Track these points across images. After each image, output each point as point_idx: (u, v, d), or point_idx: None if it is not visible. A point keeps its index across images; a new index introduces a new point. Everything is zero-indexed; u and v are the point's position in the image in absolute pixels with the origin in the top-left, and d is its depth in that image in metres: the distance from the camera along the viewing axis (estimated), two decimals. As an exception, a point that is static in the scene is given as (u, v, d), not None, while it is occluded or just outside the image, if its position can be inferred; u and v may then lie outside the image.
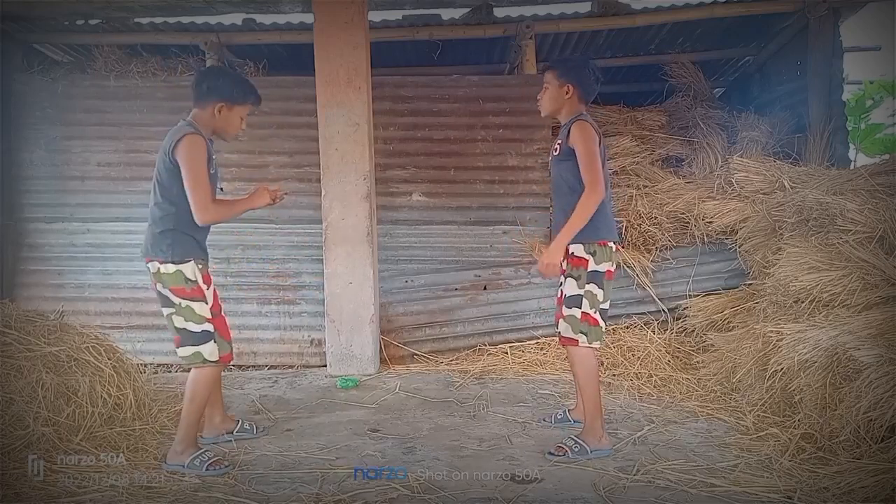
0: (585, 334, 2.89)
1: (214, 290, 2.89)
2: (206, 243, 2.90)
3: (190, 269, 2.72)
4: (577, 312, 2.89)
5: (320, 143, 4.34)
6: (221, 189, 3.05)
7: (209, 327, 2.77)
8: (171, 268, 2.71)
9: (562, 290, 3.04)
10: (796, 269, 3.60)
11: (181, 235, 2.73)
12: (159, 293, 2.77)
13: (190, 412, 2.79)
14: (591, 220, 2.84)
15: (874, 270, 3.34)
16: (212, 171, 2.81)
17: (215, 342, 2.79)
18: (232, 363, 4.42)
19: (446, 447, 3.04)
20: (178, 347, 2.78)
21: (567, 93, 2.94)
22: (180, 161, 2.66)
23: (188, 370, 2.86)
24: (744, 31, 5.99)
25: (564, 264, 2.99)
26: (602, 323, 2.93)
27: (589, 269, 2.88)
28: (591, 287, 2.88)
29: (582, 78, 2.95)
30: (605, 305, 2.94)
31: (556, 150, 3.01)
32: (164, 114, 4.79)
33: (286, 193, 3.00)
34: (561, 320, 2.94)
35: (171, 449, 2.82)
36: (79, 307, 4.76)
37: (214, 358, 2.79)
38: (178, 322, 2.75)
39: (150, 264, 2.75)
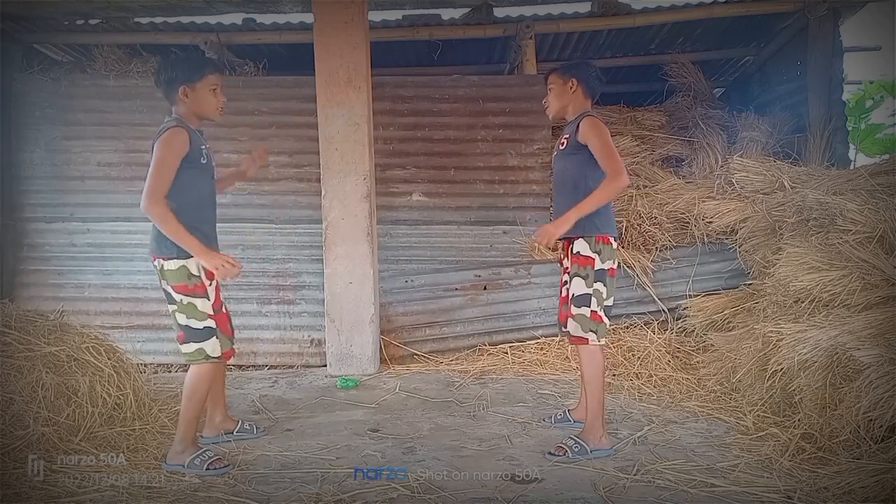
0: (595, 332, 2.90)
1: (217, 286, 2.89)
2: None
3: (194, 265, 2.73)
4: (586, 311, 2.90)
5: (320, 143, 4.34)
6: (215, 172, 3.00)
7: (211, 323, 2.78)
8: (174, 263, 2.71)
9: (566, 290, 3.05)
10: (796, 269, 3.60)
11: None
12: (164, 290, 2.78)
13: (188, 409, 2.80)
14: (595, 215, 2.86)
15: (874, 270, 3.34)
16: (203, 161, 2.81)
17: (217, 338, 2.80)
18: (232, 363, 4.45)
19: (446, 447, 3.04)
20: (181, 344, 2.80)
21: (572, 87, 2.97)
22: (154, 150, 2.67)
23: (187, 368, 2.86)
24: (744, 31, 5.99)
25: (567, 262, 3.01)
26: (606, 320, 2.94)
27: (596, 268, 2.89)
28: (598, 285, 2.90)
29: (584, 73, 2.99)
30: (609, 303, 2.96)
31: (562, 144, 3.01)
32: (163, 114, 4.71)
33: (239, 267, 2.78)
34: (570, 319, 2.94)
35: (171, 448, 2.82)
36: (79, 307, 4.76)
37: (217, 354, 2.80)
38: (181, 319, 2.76)
39: (155, 262, 2.76)
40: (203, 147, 2.84)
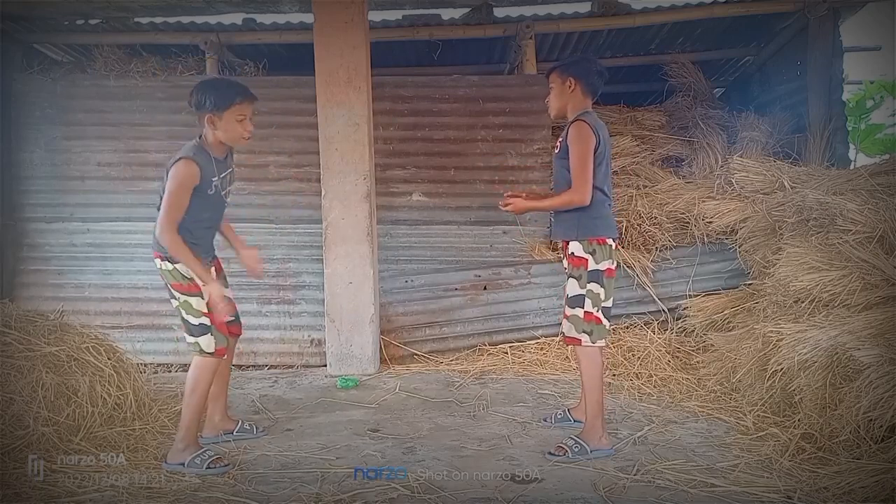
0: (589, 333, 2.90)
1: None
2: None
3: (184, 268, 2.80)
4: (579, 312, 2.91)
5: (320, 143, 4.34)
6: (228, 195, 3.05)
7: (205, 321, 2.84)
8: (168, 265, 2.82)
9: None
10: (796, 269, 3.60)
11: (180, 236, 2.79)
12: (166, 286, 2.89)
13: (190, 405, 2.83)
14: (589, 217, 2.89)
15: (874, 270, 3.34)
16: (210, 192, 2.84)
17: (212, 335, 2.85)
18: (232, 363, 4.45)
19: (446, 447, 3.04)
20: (187, 336, 2.90)
21: (570, 87, 2.97)
22: (167, 181, 2.75)
23: (188, 367, 2.90)
24: (744, 31, 5.99)
25: (565, 263, 3.02)
26: (605, 321, 2.94)
27: (589, 269, 2.89)
28: (593, 286, 2.90)
29: (584, 71, 2.98)
30: (608, 304, 2.96)
31: (556, 147, 3.05)
32: (164, 114, 4.80)
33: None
34: (565, 320, 2.96)
35: (171, 447, 2.83)
36: (79, 307, 4.76)
37: (210, 350, 2.85)
38: (182, 314, 2.87)
39: (155, 260, 2.87)
40: (214, 179, 2.84)
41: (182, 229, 2.76)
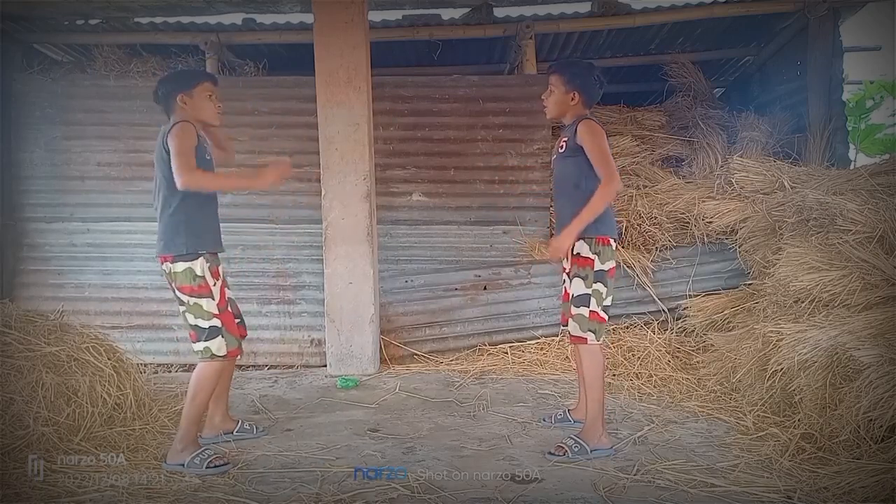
0: (594, 332, 2.92)
1: (222, 286, 2.91)
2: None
3: (199, 266, 2.78)
4: (585, 311, 2.91)
5: (320, 143, 4.34)
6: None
7: (216, 323, 2.82)
8: (180, 266, 2.77)
9: (565, 289, 3.07)
10: (796, 269, 3.60)
11: (191, 228, 2.78)
12: (174, 291, 2.85)
13: (192, 408, 2.82)
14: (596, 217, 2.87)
15: (874, 270, 3.34)
16: (207, 158, 2.87)
17: (223, 337, 2.84)
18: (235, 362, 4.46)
19: (446, 447, 3.04)
20: (193, 343, 2.86)
21: (573, 99, 2.98)
22: (169, 144, 2.70)
23: (189, 368, 2.88)
24: (744, 31, 5.99)
25: (567, 264, 3.02)
26: (606, 318, 2.96)
27: (595, 269, 2.90)
28: (598, 286, 2.91)
29: (587, 85, 2.98)
30: (608, 302, 2.97)
31: (561, 147, 3.03)
32: (164, 114, 4.77)
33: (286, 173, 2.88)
34: (570, 320, 2.97)
35: (171, 447, 2.83)
36: (79, 307, 4.76)
37: (222, 353, 2.84)
38: (190, 318, 2.83)
39: (163, 265, 2.82)
40: (206, 146, 2.91)
41: (193, 218, 2.75)
